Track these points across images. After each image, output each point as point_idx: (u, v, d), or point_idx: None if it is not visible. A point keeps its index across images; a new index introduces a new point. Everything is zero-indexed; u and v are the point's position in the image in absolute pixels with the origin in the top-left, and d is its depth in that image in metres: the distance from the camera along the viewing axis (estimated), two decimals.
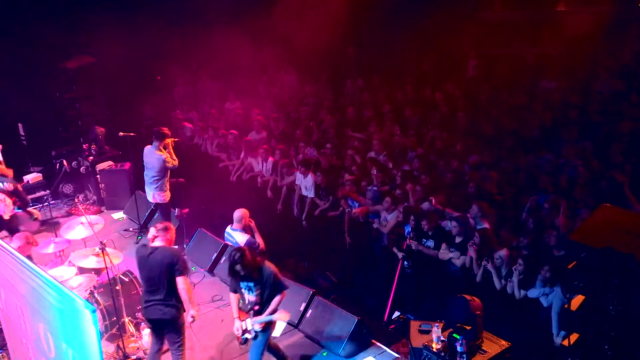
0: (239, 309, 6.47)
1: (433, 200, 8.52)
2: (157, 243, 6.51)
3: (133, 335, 7.52)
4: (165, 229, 6.54)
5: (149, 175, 9.47)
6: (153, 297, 6.36)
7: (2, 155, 10.79)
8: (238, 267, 6.09)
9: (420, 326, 6.79)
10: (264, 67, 14.92)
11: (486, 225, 7.92)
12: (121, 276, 7.70)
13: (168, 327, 6.45)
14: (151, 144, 9.44)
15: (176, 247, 6.94)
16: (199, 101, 14.62)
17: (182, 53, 14.72)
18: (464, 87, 12.99)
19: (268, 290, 6.28)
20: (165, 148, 9.44)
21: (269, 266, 6.31)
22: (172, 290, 6.30)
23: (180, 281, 6.30)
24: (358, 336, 7.29)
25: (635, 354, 5.07)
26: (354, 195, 9.35)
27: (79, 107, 12.82)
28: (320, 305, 7.73)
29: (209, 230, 9.76)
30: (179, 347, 6.49)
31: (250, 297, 6.35)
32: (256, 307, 6.33)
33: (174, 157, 9.52)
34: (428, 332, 6.54)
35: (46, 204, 10.47)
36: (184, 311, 6.44)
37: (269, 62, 14.90)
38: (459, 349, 6.03)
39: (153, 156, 9.35)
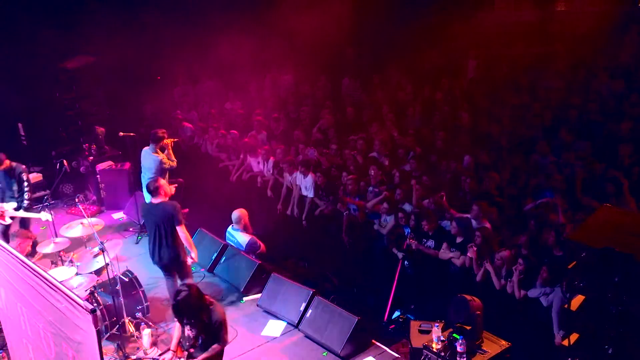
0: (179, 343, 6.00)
1: (444, 197, 8.52)
2: (157, 200, 7.54)
3: (133, 335, 7.52)
4: (157, 189, 7.55)
5: (145, 177, 9.46)
6: (159, 243, 7.48)
7: None
8: (181, 307, 5.68)
9: (420, 326, 6.80)
10: (265, 67, 14.93)
11: (486, 225, 7.92)
12: (121, 276, 7.70)
13: (175, 265, 7.61)
14: (148, 146, 9.45)
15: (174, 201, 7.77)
16: (199, 101, 14.62)
17: (182, 53, 14.74)
18: (464, 87, 12.99)
19: (207, 336, 5.79)
20: (163, 149, 9.43)
21: (219, 312, 5.80)
22: (174, 236, 7.46)
23: (179, 230, 7.43)
24: (358, 336, 7.29)
25: (635, 354, 5.06)
26: (349, 200, 9.35)
27: (79, 107, 12.82)
28: (320, 305, 7.72)
29: (209, 230, 9.76)
30: (187, 278, 7.68)
31: (189, 332, 5.87)
32: (191, 350, 5.84)
33: (173, 157, 9.52)
34: (428, 332, 6.55)
35: (46, 204, 10.46)
36: (185, 253, 7.60)
37: (269, 63, 14.91)
38: (459, 349, 6.03)
39: (149, 157, 9.36)
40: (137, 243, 10.28)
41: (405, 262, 8.20)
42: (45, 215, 8.67)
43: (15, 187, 9.07)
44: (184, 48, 14.61)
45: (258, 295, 8.38)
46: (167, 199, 7.67)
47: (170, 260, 7.57)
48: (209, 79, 15.00)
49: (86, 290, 7.41)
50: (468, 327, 6.20)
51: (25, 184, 9.07)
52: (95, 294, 7.47)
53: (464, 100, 12.20)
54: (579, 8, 15.74)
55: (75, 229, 8.23)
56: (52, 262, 8.47)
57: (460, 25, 13.88)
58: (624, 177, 8.32)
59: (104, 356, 4.78)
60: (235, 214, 8.89)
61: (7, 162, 9.10)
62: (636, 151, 9.12)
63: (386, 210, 8.86)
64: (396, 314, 7.89)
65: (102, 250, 6.99)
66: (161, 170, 9.36)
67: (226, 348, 7.43)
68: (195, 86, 15.16)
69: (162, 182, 7.75)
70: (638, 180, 8.47)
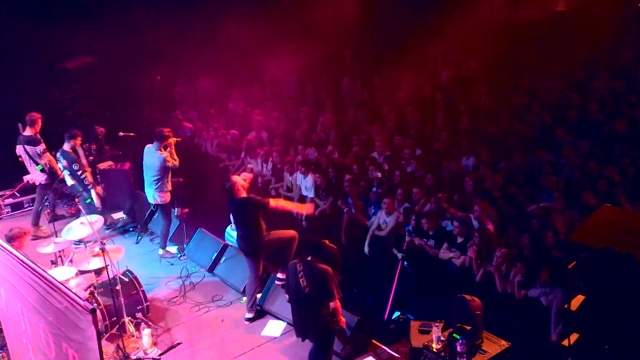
0: None
1: (443, 199, 8.51)
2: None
3: (133, 335, 7.52)
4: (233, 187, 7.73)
5: (149, 175, 9.42)
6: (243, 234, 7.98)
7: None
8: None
9: (420, 326, 6.80)
10: (266, 65, 14.95)
11: (489, 226, 7.92)
12: (121, 276, 7.69)
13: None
14: (151, 144, 9.43)
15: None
16: (199, 101, 14.62)
17: (182, 53, 14.74)
18: (463, 87, 12.98)
19: None
20: (166, 148, 9.42)
21: None
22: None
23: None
24: (358, 336, 7.28)
25: (635, 354, 5.07)
26: (356, 200, 9.32)
27: (79, 107, 12.81)
28: None
29: (209, 230, 9.76)
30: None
31: None
32: None
33: (175, 157, 9.51)
34: (428, 332, 6.54)
35: (46, 204, 10.45)
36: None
37: (270, 62, 14.93)
38: (459, 349, 6.03)
39: (153, 156, 9.31)
40: (137, 243, 10.28)
41: (405, 262, 8.19)
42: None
43: None
44: (184, 48, 14.62)
45: (258, 296, 8.38)
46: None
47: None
48: (209, 78, 14.99)
49: (86, 290, 7.42)
50: (468, 327, 6.20)
51: None
52: (95, 294, 7.48)
53: (463, 100, 12.19)
54: (579, 8, 15.73)
55: (75, 229, 8.22)
56: (52, 262, 8.47)
57: (460, 25, 13.87)
58: (619, 177, 8.32)
59: (104, 356, 4.78)
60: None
61: None
62: (630, 150, 9.13)
63: (387, 206, 8.81)
64: (396, 314, 7.89)
65: (102, 250, 6.98)
66: (164, 169, 9.34)
67: (226, 348, 7.48)
68: (195, 86, 15.16)
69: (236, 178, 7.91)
70: (635, 180, 8.47)
